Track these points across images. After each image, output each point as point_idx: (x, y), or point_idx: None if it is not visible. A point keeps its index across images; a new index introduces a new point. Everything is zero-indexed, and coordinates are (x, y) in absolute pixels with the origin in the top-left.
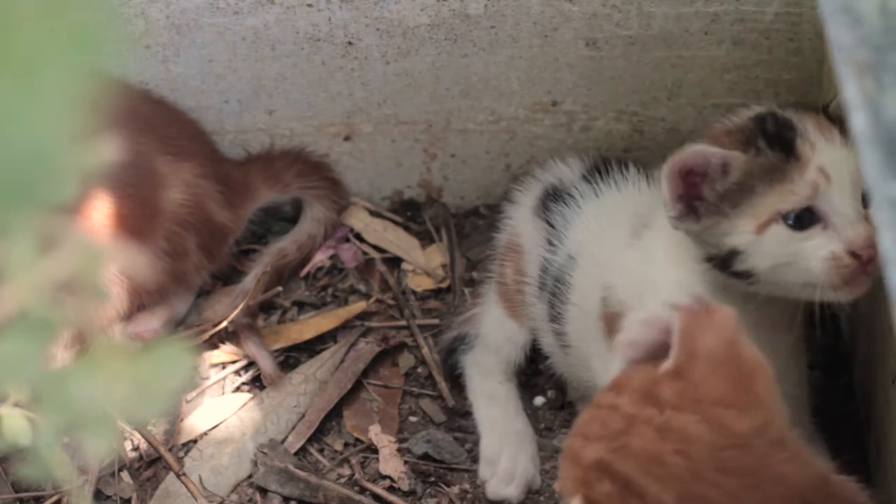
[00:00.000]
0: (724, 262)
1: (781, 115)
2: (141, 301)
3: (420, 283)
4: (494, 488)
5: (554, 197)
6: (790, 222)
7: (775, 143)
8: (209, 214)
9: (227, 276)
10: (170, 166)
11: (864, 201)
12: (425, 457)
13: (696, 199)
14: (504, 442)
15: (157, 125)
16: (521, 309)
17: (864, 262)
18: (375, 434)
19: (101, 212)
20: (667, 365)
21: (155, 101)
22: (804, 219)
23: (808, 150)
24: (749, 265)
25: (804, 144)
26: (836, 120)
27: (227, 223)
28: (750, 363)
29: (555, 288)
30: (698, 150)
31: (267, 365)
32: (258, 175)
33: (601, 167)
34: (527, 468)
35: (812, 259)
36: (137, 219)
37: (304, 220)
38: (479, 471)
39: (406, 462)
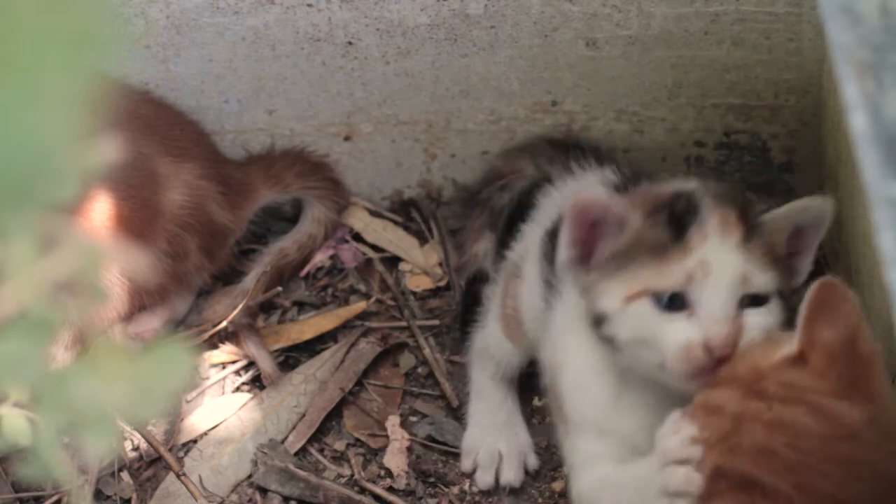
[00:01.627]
0: (595, 323)
1: (696, 199)
2: (141, 302)
3: (419, 283)
4: (480, 478)
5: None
6: (662, 302)
7: (672, 222)
8: (210, 216)
9: (227, 276)
10: (171, 167)
11: (742, 304)
12: (429, 438)
13: (591, 251)
14: (485, 433)
15: (158, 126)
16: (518, 332)
17: (716, 359)
18: (392, 425)
19: (101, 213)
20: (787, 351)
21: (156, 102)
22: (675, 302)
23: (697, 239)
24: (612, 332)
25: (697, 233)
26: (754, 228)
27: (228, 224)
28: (866, 356)
29: None
30: (600, 199)
31: (267, 365)
32: (259, 175)
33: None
34: (510, 451)
35: (668, 341)
36: (138, 220)
37: (304, 220)
38: (461, 462)
39: (408, 459)
